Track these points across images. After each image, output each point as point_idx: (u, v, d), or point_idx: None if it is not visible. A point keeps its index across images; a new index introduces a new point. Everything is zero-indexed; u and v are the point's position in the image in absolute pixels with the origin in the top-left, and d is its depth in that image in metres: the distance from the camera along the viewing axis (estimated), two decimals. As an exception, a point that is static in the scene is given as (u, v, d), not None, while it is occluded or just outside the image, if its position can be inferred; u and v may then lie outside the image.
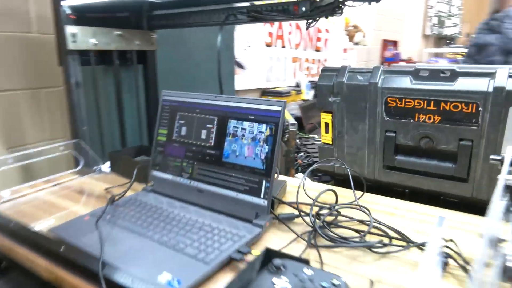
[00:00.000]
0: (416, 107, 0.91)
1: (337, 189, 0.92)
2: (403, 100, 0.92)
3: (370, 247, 0.70)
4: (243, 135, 0.83)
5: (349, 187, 1.00)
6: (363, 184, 0.92)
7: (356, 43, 4.45)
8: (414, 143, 0.94)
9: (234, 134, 0.84)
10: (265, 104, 0.80)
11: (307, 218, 0.81)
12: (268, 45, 2.79)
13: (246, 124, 0.83)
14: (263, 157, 0.79)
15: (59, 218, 0.88)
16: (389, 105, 0.94)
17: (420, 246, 0.71)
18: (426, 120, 0.90)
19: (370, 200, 0.94)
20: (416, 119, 0.91)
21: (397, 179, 0.99)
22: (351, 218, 0.83)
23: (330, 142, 1.07)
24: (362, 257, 0.69)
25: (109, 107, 1.38)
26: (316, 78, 3.39)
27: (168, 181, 0.94)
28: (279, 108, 0.78)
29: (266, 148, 0.79)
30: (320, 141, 1.10)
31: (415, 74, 0.91)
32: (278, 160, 0.79)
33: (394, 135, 0.96)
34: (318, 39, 3.48)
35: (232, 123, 0.85)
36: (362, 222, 0.82)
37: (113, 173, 1.19)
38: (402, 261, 0.68)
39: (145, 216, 0.83)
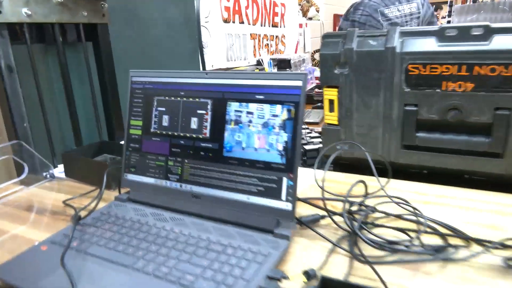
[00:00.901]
0: (443, 73, 0.77)
1: (349, 176, 0.77)
2: (428, 66, 0.77)
3: (438, 253, 0.55)
4: (250, 121, 0.64)
5: (358, 172, 0.85)
6: (388, 169, 0.77)
7: (310, 18, 4.33)
8: (439, 117, 0.81)
9: (237, 121, 0.65)
10: (278, 78, 0.62)
11: (338, 219, 0.65)
12: (226, 21, 2.57)
13: (253, 106, 0.64)
14: (280, 148, 0.61)
15: (2, 250, 0.64)
16: (410, 73, 0.80)
17: (499, 246, 0.57)
18: (456, 88, 0.77)
19: (398, 187, 0.80)
20: (444, 88, 0.78)
21: (418, 159, 0.86)
22: (387, 214, 0.68)
23: (336, 122, 0.91)
24: (424, 267, 0.55)
25: (55, 97, 1.11)
26: (277, 56, 3.22)
27: (150, 186, 0.73)
28: (298, 83, 0.60)
29: (285, 136, 0.61)
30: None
31: (440, 34, 0.77)
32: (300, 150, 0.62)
33: (415, 109, 0.82)
34: (275, 14, 3.30)
35: (233, 106, 0.65)
36: (399, 217, 0.68)
37: (69, 179, 0.94)
38: (479, 268, 0.54)
39: (127, 237, 0.62)
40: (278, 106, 0.61)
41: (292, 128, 0.60)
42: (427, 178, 0.92)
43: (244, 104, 0.64)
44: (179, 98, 0.71)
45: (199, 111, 0.68)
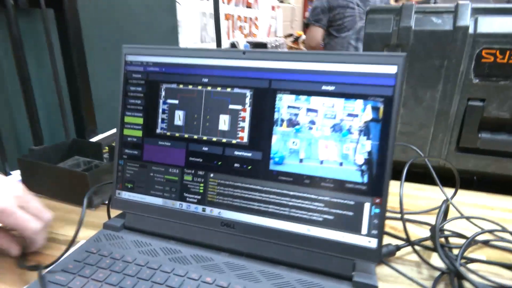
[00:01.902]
0: (526, 62, 0.62)
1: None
2: (508, 52, 0.62)
3: None
4: (312, 122, 0.45)
5: (407, 179, 0.70)
6: (456, 178, 0.62)
7: (282, 1, 4.15)
8: (510, 115, 0.66)
9: (291, 121, 0.46)
10: (358, 61, 0.43)
11: (422, 251, 0.48)
12: (200, -2, 2.31)
13: (317, 101, 0.45)
14: (361, 161, 0.43)
15: None
16: (482, 60, 0.64)
17: None
18: (539, 80, 0.62)
19: (467, 200, 0.65)
20: (523, 80, 0.63)
21: (475, 164, 0.72)
22: (474, 241, 0.53)
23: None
24: None
25: (4, 81, 0.85)
26: (253, 39, 3.01)
27: (156, 210, 0.52)
28: (392, 69, 0.42)
29: (368, 144, 0.43)
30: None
31: (524, 12, 0.62)
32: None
33: (482, 104, 0.67)
34: (249, -6, 3.07)
35: (285, 100, 0.46)
36: (488, 244, 0.52)
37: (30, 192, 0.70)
38: None
39: (137, 296, 0.41)
40: (359, 102, 0.43)
41: (379, 134, 0.42)
42: (473, 184, 0.78)
43: (302, 97, 0.45)
44: (200, 87, 0.50)
45: (232, 106, 0.48)
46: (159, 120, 0.52)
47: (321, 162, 0.45)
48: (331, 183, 0.44)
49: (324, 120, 0.44)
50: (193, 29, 2.22)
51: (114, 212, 0.61)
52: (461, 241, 0.54)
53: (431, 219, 0.60)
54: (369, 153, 0.43)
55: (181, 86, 0.51)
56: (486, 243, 0.54)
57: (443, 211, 0.49)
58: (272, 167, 0.47)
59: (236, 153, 0.48)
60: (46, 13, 0.84)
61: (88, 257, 0.48)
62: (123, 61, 0.54)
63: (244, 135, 0.48)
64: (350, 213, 0.44)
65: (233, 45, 2.66)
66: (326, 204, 0.45)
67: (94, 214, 0.63)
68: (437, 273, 0.48)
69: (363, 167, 0.43)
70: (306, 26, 2.24)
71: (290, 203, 0.46)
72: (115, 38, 1.11)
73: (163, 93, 0.52)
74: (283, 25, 4.12)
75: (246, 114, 0.48)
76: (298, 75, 0.45)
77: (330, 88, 0.44)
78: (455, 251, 0.50)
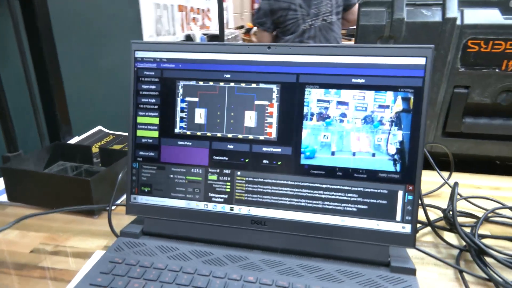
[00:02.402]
0: (507, 51, 0.67)
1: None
2: (491, 42, 0.67)
3: None
4: (343, 115, 0.46)
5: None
6: (450, 160, 0.67)
7: (231, -8, 4.10)
8: (491, 101, 0.72)
9: (321, 115, 0.46)
10: (387, 54, 0.44)
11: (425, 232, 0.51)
12: (153, -11, 2.22)
13: (347, 94, 0.45)
14: (393, 151, 0.45)
15: None
16: (468, 50, 0.69)
17: None
18: (517, 68, 0.68)
19: (466, 181, 0.70)
20: (504, 67, 0.69)
21: (460, 147, 0.77)
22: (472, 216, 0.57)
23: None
24: None
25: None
26: (209, 31, 2.96)
27: (178, 212, 0.50)
28: (421, 61, 0.43)
29: (399, 134, 0.44)
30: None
31: (505, 5, 0.67)
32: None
33: (466, 91, 0.72)
34: (200, -16, 3.00)
35: (314, 94, 0.46)
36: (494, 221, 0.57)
37: (17, 205, 0.64)
38: None
39: (184, 303, 0.40)
40: (389, 94, 0.44)
41: (410, 123, 0.44)
42: (458, 167, 0.85)
43: (332, 91, 0.46)
44: (222, 83, 0.48)
45: (258, 102, 0.47)
46: (178, 119, 0.50)
47: (354, 154, 0.46)
48: (364, 174, 0.45)
49: (355, 113, 0.45)
50: (148, 21, 2.13)
51: (117, 219, 0.58)
52: (466, 220, 0.58)
53: (431, 201, 0.64)
54: (401, 142, 0.44)
55: (200, 83, 0.49)
56: (487, 220, 0.58)
57: (456, 193, 0.53)
58: (303, 161, 0.47)
59: (265, 149, 0.48)
60: (13, 4, 0.76)
61: (115, 268, 0.45)
62: (132, 57, 0.50)
63: (272, 131, 0.47)
64: (384, 202, 0.45)
65: (188, 37, 2.59)
66: (360, 195, 0.46)
67: (98, 222, 0.59)
68: (455, 251, 0.51)
69: (396, 157, 0.45)
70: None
71: (323, 196, 0.47)
72: (83, 32, 1.04)
73: (180, 91, 0.49)
74: (234, 16, 4.10)
75: (274, 110, 0.47)
76: (327, 68, 0.45)
77: (360, 80, 0.45)
78: (466, 230, 0.54)
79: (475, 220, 0.58)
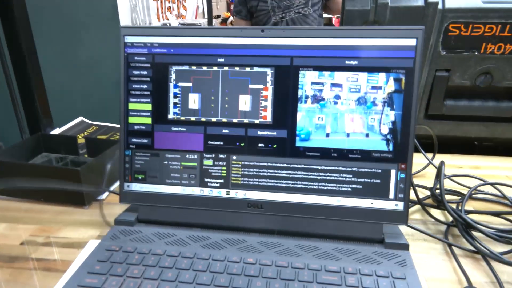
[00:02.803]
0: (485, 34, 0.70)
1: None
2: (471, 25, 0.69)
3: None
4: (337, 97, 0.46)
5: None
6: (434, 141, 0.69)
7: (205, -19, 4.04)
8: (471, 83, 0.74)
9: (316, 97, 0.47)
10: (378, 36, 0.45)
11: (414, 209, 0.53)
12: (127, -24, 2.15)
13: (341, 76, 0.46)
14: (386, 131, 0.46)
15: None
16: (449, 34, 0.71)
17: None
18: (495, 50, 0.71)
19: (448, 161, 0.72)
20: (482, 50, 0.71)
21: (441, 129, 0.80)
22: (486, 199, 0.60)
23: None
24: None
25: None
26: (186, 20, 2.91)
27: (173, 199, 0.50)
28: (412, 42, 0.44)
29: (392, 114, 0.46)
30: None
31: (483, -11, 0.69)
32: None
33: (447, 74, 0.74)
34: (175, -28, 2.94)
35: (309, 76, 0.46)
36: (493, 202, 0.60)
37: (2, 198, 0.62)
38: None
39: None
40: (381, 75, 0.45)
41: (402, 104, 0.45)
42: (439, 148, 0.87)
43: (326, 73, 0.46)
44: (216, 68, 0.48)
45: (252, 86, 0.48)
46: (171, 105, 0.49)
47: (348, 135, 0.47)
48: (358, 154, 0.47)
49: (349, 94, 0.46)
50: (124, 11, 2.07)
51: (109, 209, 0.57)
52: (452, 197, 0.60)
53: (417, 181, 0.66)
54: (393, 122, 0.46)
55: (193, 67, 0.48)
56: (470, 197, 0.61)
57: (443, 171, 0.55)
58: (299, 143, 0.47)
59: (260, 133, 0.48)
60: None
61: (112, 256, 0.44)
62: (122, 43, 0.49)
63: (267, 114, 0.48)
64: (378, 181, 0.47)
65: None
66: (354, 175, 0.47)
67: (89, 212, 0.58)
68: (442, 227, 0.53)
69: (388, 136, 0.46)
70: None
71: (319, 177, 0.47)
72: (60, 23, 1.00)
73: (173, 76, 0.49)
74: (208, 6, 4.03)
75: (268, 93, 0.47)
76: (320, 51, 0.46)
77: (353, 62, 0.46)
78: (453, 206, 0.56)
79: (459, 197, 0.60)
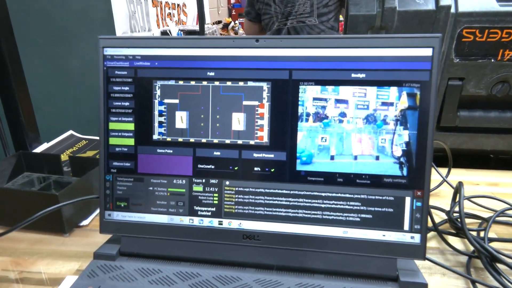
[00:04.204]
0: (502, 40, 0.64)
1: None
2: (486, 31, 0.64)
3: None
4: (342, 115, 0.41)
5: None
6: (449, 157, 0.63)
7: (207, -13, 4.01)
8: (487, 92, 0.69)
9: (318, 115, 0.41)
10: (389, 45, 0.39)
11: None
12: (125, -17, 2.12)
13: (346, 91, 0.41)
14: (399, 153, 0.40)
15: None
16: (463, 40, 0.65)
17: None
18: (513, 57, 0.65)
19: (463, 177, 0.66)
20: (499, 57, 0.66)
21: (454, 142, 0.74)
22: (480, 218, 0.54)
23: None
24: None
25: None
26: (186, 27, 2.87)
27: (159, 229, 0.45)
28: (427, 52, 0.39)
29: (405, 134, 0.40)
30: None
31: (500, -8, 0.64)
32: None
33: (460, 83, 0.69)
34: (175, -22, 2.90)
35: (310, 92, 0.41)
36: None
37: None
38: None
39: None
40: (393, 89, 0.40)
41: (418, 122, 0.40)
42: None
43: (330, 87, 0.41)
44: (205, 83, 0.43)
45: (247, 103, 0.42)
46: (156, 124, 0.44)
47: (355, 158, 0.41)
48: (368, 180, 0.41)
49: (356, 111, 0.41)
50: (122, 17, 2.03)
51: (93, 236, 0.52)
52: (470, 220, 0.55)
53: (430, 202, 0.60)
54: (407, 143, 0.40)
55: (180, 82, 0.43)
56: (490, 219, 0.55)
57: (462, 195, 0.49)
58: (300, 167, 0.42)
59: (256, 155, 0.42)
60: (-35, 0, 0.68)
61: (88, 299, 0.39)
62: (100, 55, 0.44)
63: (263, 134, 0.42)
64: (390, 210, 0.41)
65: (164, 33, 2.50)
66: (363, 203, 0.41)
67: (69, 241, 0.53)
68: (462, 258, 0.48)
69: (402, 159, 0.40)
70: None
71: (323, 205, 0.42)
72: (48, 30, 0.95)
73: (158, 92, 0.44)
74: (210, 11, 4.01)
75: (265, 111, 0.42)
76: (322, 63, 0.41)
77: (361, 75, 0.40)
78: (473, 233, 0.50)
79: (478, 220, 0.54)
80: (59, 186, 0.63)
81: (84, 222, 0.56)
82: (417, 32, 0.63)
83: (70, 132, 0.89)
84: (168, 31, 2.45)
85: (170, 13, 2.78)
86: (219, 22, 3.73)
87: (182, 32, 2.52)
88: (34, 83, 0.84)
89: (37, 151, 0.79)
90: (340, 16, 1.69)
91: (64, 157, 0.72)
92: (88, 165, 0.62)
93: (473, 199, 0.59)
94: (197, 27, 3.03)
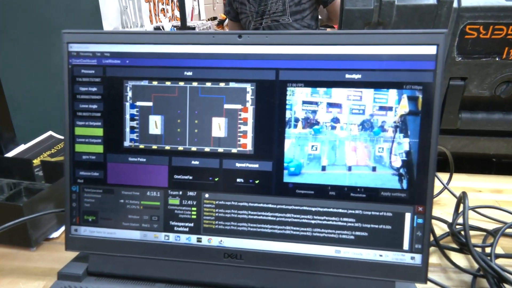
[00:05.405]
0: (508, 37, 0.60)
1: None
2: (491, 27, 0.59)
3: None
4: (335, 120, 0.36)
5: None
6: (450, 162, 0.59)
7: (201, -18, 3.95)
8: (490, 93, 0.65)
9: (308, 120, 0.37)
10: (389, 42, 0.35)
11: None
12: (116, -23, 2.06)
13: (340, 93, 0.36)
14: (398, 164, 0.36)
15: None
16: (466, 37, 0.61)
17: None
18: (520, 56, 0.61)
19: (464, 184, 0.62)
20: (504, 56, 0.61)
21: (455, 145, 0.70)
22: (486, 231, 0.50)
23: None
24: None
25: None
26: (176, 22, 2.81)
27: (131, 246, 0.40)
28: (431, 50, 0.34)
29: (406, 143, 0.36)
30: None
31: (506, -15, 0.59)
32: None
33: (462, 83, 0.64)
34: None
35: (299, 94, 0.36)
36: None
37: None
38: None
39: None
40: (392, 92, 0.35)
41: (419, 129, 0.35)
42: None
43: (321, 89, 0.36)
44: (182, 83, 0.38)
45: (228, 106, 0.37)
46: (127, 130, 0.39)
47: (349, 169, 0.37)
48: (363, 193, 0.36)
49: (350, 117, 0.36)
50: (113, 13, 1.97)
51: (62, 251, 0.47)
52: (474, 233, 0.50)
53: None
54: (408, 153, 0.36)
55: (154, 82, 0.38)
56: (497, 233, 0.51)
57: (467, 207, 0.45)
58: (287, 179, 0.37)
59: (238, 165, 0.38)
60: None
61: (47, 329, 0.34)
62: (65, 52, 0.39)
63: (247, 142, 0.38)
64: (388, 227, 0.36)
65: (157, 29, 2.44)
66: (358, 219, 0.37)
67: (36, 256, 0.48)
68: (467, 277, 0.43)
69: (401, 171, 0.36)
70: None
71: (313, 222, 0.37)
72: (27, 25, 0.90)
73: (129, 94, 0.39)
74: (205, 7, 3.94)
75: (248, 115, 0.37)
76: (313, 61, 0.36)
77: (356, 76, 0.36)
78: (477, 249, 0.46)
79: (482, 233, 0.50)
80: (29, 192, 0.58)
81: (54, 234, 0.51)
82: (416, 28, 0.59)
83: (50, 133, 0.84)
84: (161, 27, 2.39)
85: (163, 9, 2.72)
86: (214, 18, 3.67)
87: (175, 28, 2.46)
88: (10, 79, 0.79)
89: (12, 154, 0.74)
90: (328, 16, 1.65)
91: (38, 161, 0.68)
92: (61, 170, 0.57)
93: (477, 209, 0.55)
94: (192, 23, 2.98)
